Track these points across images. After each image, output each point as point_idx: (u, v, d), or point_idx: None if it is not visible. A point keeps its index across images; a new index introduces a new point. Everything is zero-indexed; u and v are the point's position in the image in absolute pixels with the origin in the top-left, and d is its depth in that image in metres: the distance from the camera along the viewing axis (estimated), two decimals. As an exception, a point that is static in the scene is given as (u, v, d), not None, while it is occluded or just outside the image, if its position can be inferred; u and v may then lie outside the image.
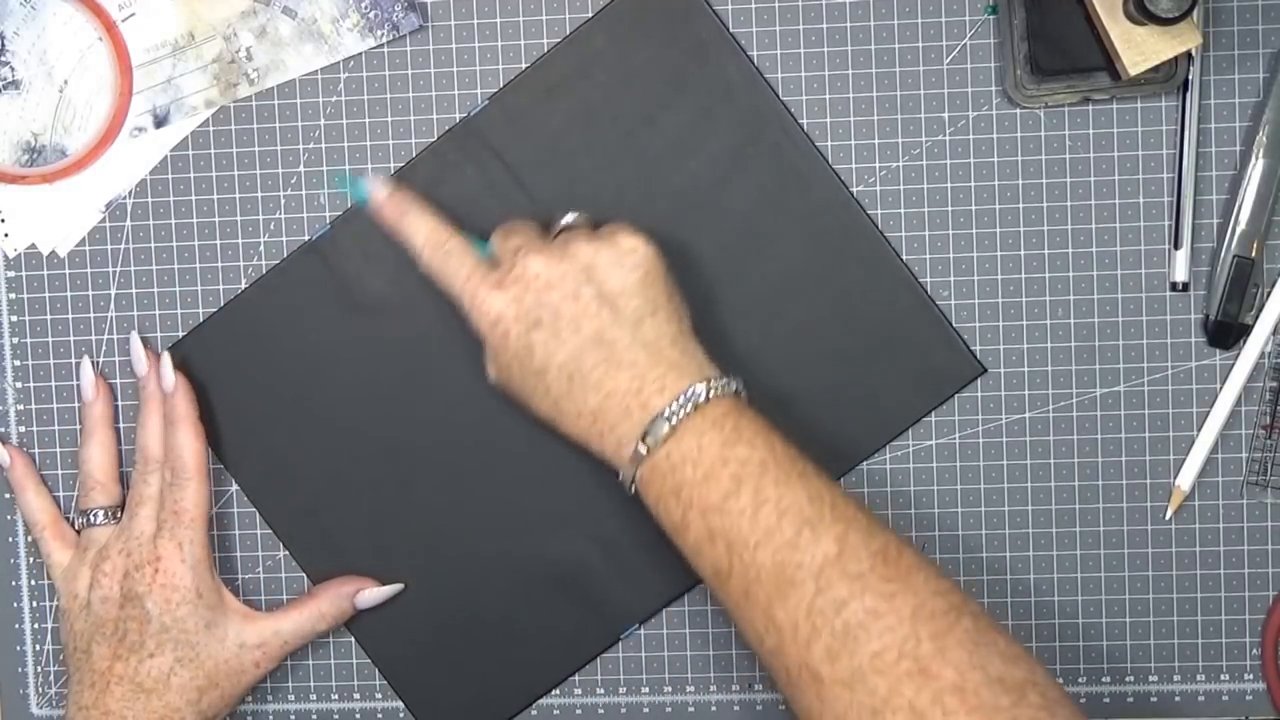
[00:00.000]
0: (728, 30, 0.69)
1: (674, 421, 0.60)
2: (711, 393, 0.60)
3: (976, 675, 0.54)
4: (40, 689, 0.74)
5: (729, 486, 0.59)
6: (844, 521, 0.58)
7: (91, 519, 0.70)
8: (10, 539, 0.74)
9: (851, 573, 0.56)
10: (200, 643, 0.68)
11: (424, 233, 0.66)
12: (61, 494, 0.73)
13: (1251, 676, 0.70)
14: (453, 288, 0.64)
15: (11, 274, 0.73)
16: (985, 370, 0.70)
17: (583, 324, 0.61)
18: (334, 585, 0.71)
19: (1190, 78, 0.67)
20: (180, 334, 0.72)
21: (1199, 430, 0.69)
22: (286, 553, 0.73)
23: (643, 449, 0.60)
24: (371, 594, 0.71)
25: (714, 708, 0.72)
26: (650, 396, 0.61)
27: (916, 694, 0.54)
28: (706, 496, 0.59)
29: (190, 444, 0.69)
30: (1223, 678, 0.70)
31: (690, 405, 0.60)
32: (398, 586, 0.71)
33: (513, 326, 0.62)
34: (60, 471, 0.73)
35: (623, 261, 0.62)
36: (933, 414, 0.70)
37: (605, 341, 0.61)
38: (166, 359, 0.70)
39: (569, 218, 0.67)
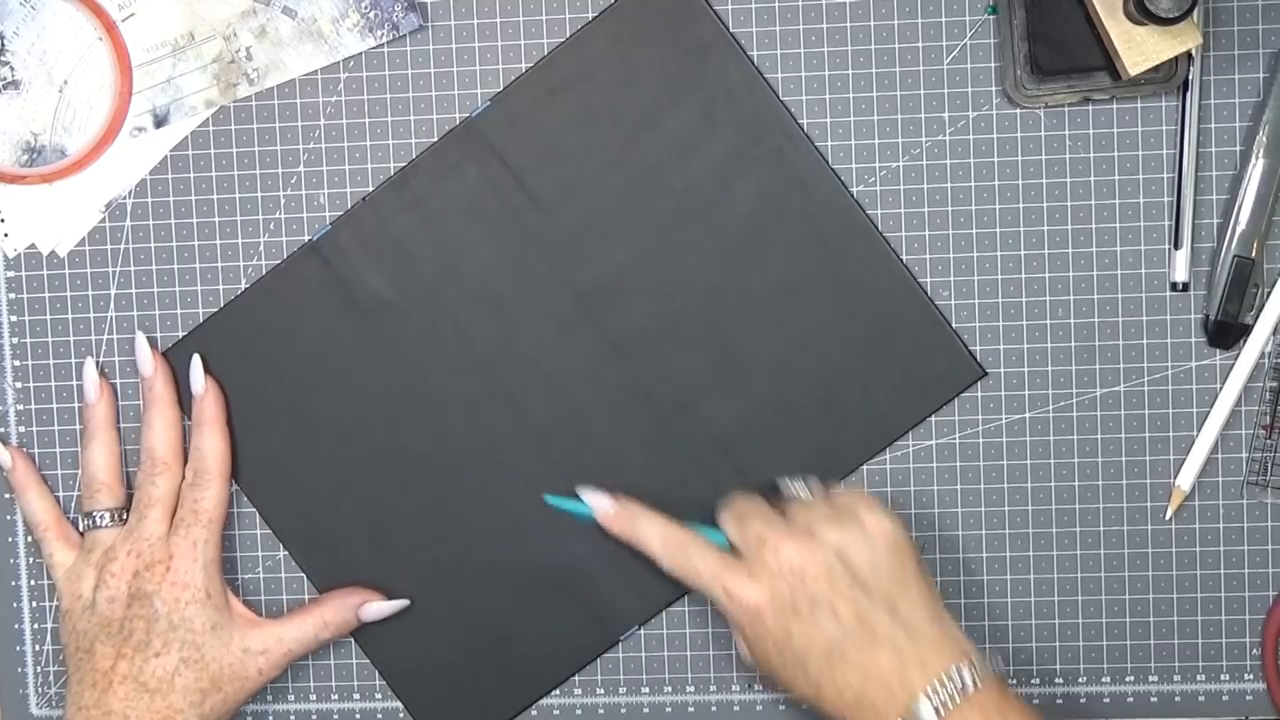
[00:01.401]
0: (729, 31, 0.69)
1: (941, 710, 0.60)
2: (975, 674, 0.61)
3: None
4: (40, 689, 0.74)
5: None
6: None
7: (97, 520, 0.70)
8: (10, 539, 0.74)
9: None
10: (206, 644, 0.68)
11: (659, 537, 0.67)
12: (62, 494, 0.73)
13: (1251, 676, 0.70)
14: (702, 584, 0.65)
15: (11, 274, 0.73)
16: (985, 373, 0.70)
17: (839, 608, 0.62)
18: (340, 595, 0.71)
19: (1190, 78, 0.67)
20: (180, 334, 0.72)
21: (1199, 430, 0.69)
22: (286, 553, 0.73)
23: None
24: (377, 607, 0.71)
25: (714, 708, 0.72)
26: (911, 675, 0.61)
27: None
28: None
29: (216, 446, 0.70)
30: (1223, 678, 0.70)
31: (955, 688, 0.61)
32: (403, 602, 0.71)
33: (770, 615, 0.63)
34: (60, 472, 0.73)
35: (873, 543, 0.63)
36: (932, 414, 0.70)
37: (863, 623, 0.62)
38: (197, 362, 0.71)
39: (800, 490, 0.68)
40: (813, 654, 0.63)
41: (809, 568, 0.63)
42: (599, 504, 0.69)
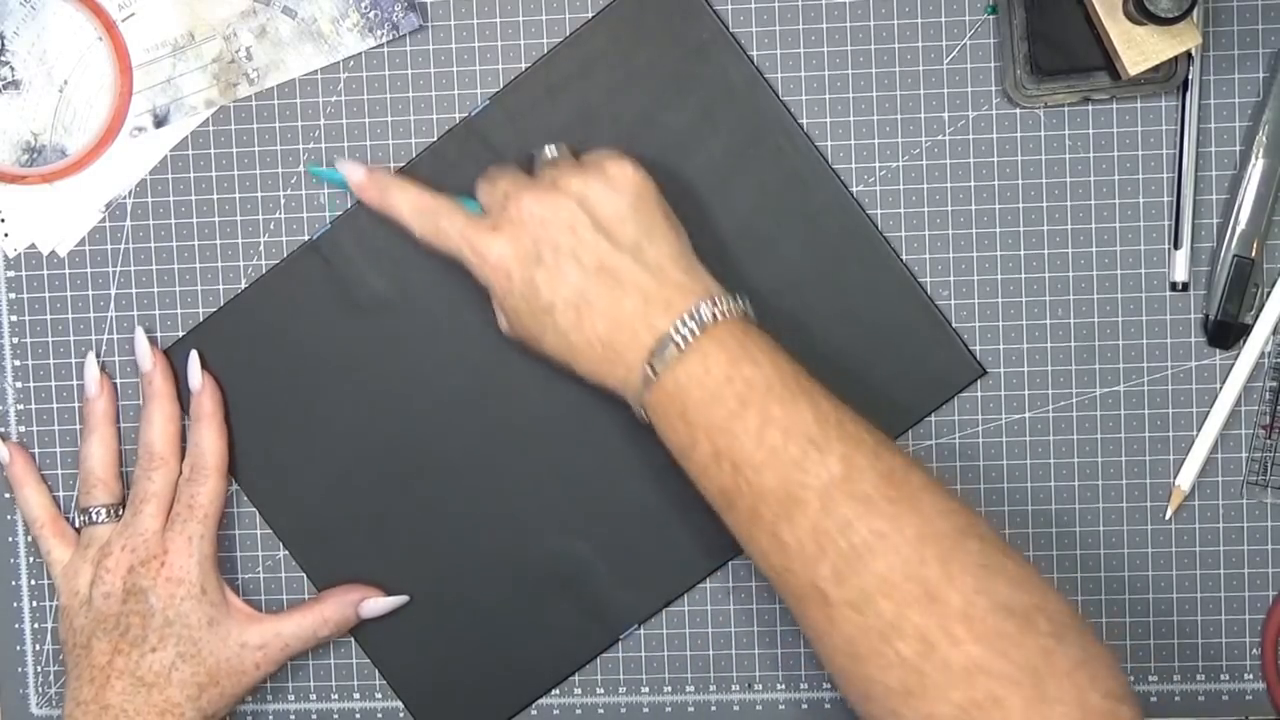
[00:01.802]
0: (728, 31, 0.69)
1: (681, 344, 0.60)
2: (717, 310, 0.60)
3: (983, 601, 0.54)
4: (40, 689, 0.74)
5: (734, 407, 0.59)
6: (850, 441, 0.58)
7: (93, 517, 0.70)
8: (10, 539, 0.74)
9: (857, 493, 0.56)
10: (202, 639, 0.68)
11: (409, 202, 0.66)
12: (61, 494, 0.73)
13: (1251, 676, 0.70)
14: (450, 245, 0.64)
15: (11, 274, 0.73)
16: (985, 372, 0.70)
17: (582, 255, 0.61)
18: (340, 592, 0.71)
19: (1190, 78, 0.67)
20: (180, 333, 0.72)
21: (1199, 430, 0.69)
22: (286, 553, 0.73)
23: (651, 373, 0.60)
24: (376, 604, 0.71)
25: (714, 708, 0.72)
26: (656, 318, 0.61)
27: (924, 620, 0.54)
28: (712, 417, 0.59)
29: (213, 441, 0.70)
30: (1223, 678, 0.70)
31: (696, 325, 0.60)
32: (403, 598, 0.71)
33: (515, 268, 0.62)
34: (60, 471, 0.73)
35: (614, 188, 0.63)
36: (932, 414, 0.70)
37: (607, 269, 0.61)
38: (195, 358, 0.71)
39: (549, 151, 0.67)
40: (559, 304, 0.62)
41: (551, 216, 0.62)
42: (352, 173, 0.67)
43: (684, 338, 0.60)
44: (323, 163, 0.71)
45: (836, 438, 0.58)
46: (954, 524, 0.57)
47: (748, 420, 0.58)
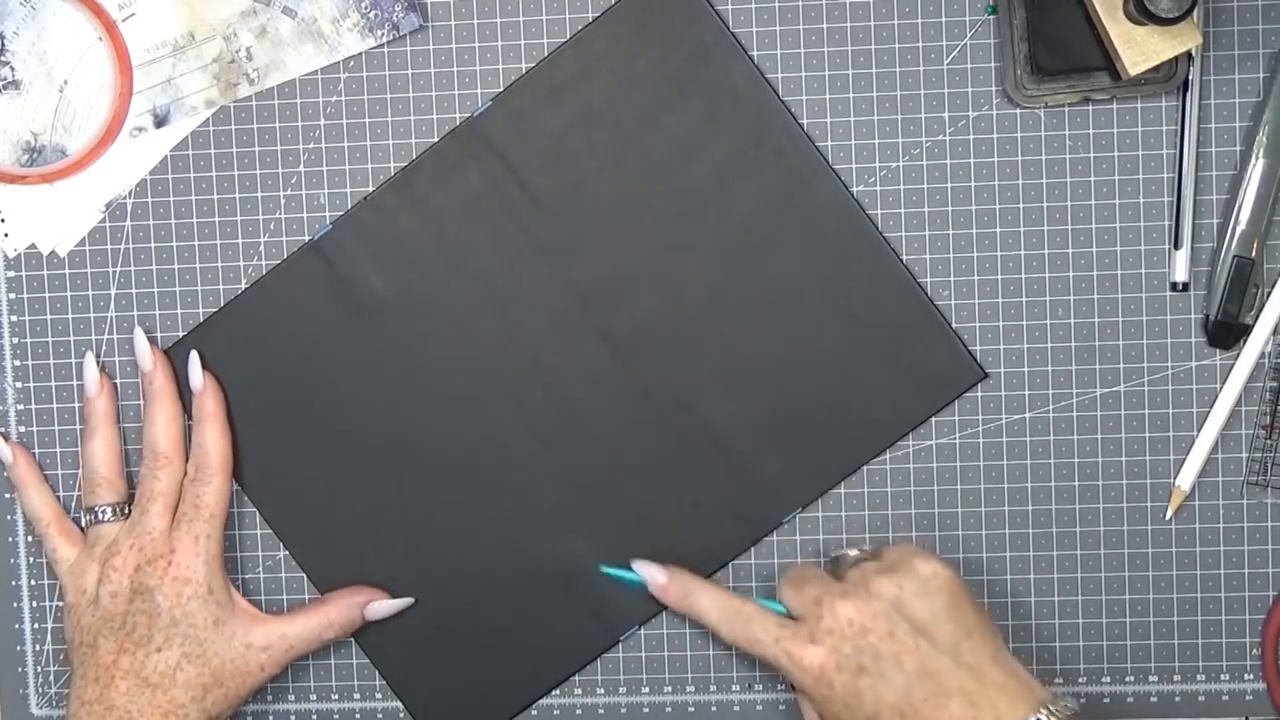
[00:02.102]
0: (730, 32, 0.69)
1: None
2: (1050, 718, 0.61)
3: None
4: (40, 689, 0.74)
5: None
6: None
7: (99, 516, 0.70)
8: (10, 539, 0.74)
9: None
10: (208, 639, 0.68)
11: (717, 606, 0.66)
12: (62, 493, 0.73)
13: (1251, 676, 0.70)
14: (764, 651, 0.65)
15: (11, 274, 0.73)
16: (986, 375, 0.70)
17: (904, 660, 0.62)
18: (345, 594, 0.71)
19: (1190, 78, 0.67)
20: (181, 334, 0.72)
21: (1199, 430, 0.69)
22: (286, 553, 0.73)
23: None
24: (382, 606, 0.71)
25: (714, 708, 0.72)
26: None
27: None
28: None
29: (216, 441, 0.70)
30: (1223, 678, 0.70)
31: None
32: (408, 600, 0.71)
33: (836, 677, 0.63)
34: (61, 471, 0.73)
35: (928, 590, 0.63)
36: (933, 415, 0.70)
37: (929, 673, 0.62)
38: (195, 359, 0.71)
39: (851, 554, 0.68)
40: (883, 712, 0.62)
41: (868, 622, 0.62)
42: (651, 575, 0.69)
43: None
44: (323, 163, 0.71)
45: None
46: None
47: None
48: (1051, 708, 0.61)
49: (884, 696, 0.62)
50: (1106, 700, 0.70)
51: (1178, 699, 0.70)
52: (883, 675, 0.62)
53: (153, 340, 0.72)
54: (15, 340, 0.73)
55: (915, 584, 0.63)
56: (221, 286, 0.72)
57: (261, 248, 0.72)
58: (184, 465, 0.70)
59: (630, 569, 0.69)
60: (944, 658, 0.62)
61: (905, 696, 0.61)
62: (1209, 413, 0.69)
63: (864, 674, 0.62)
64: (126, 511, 0.70)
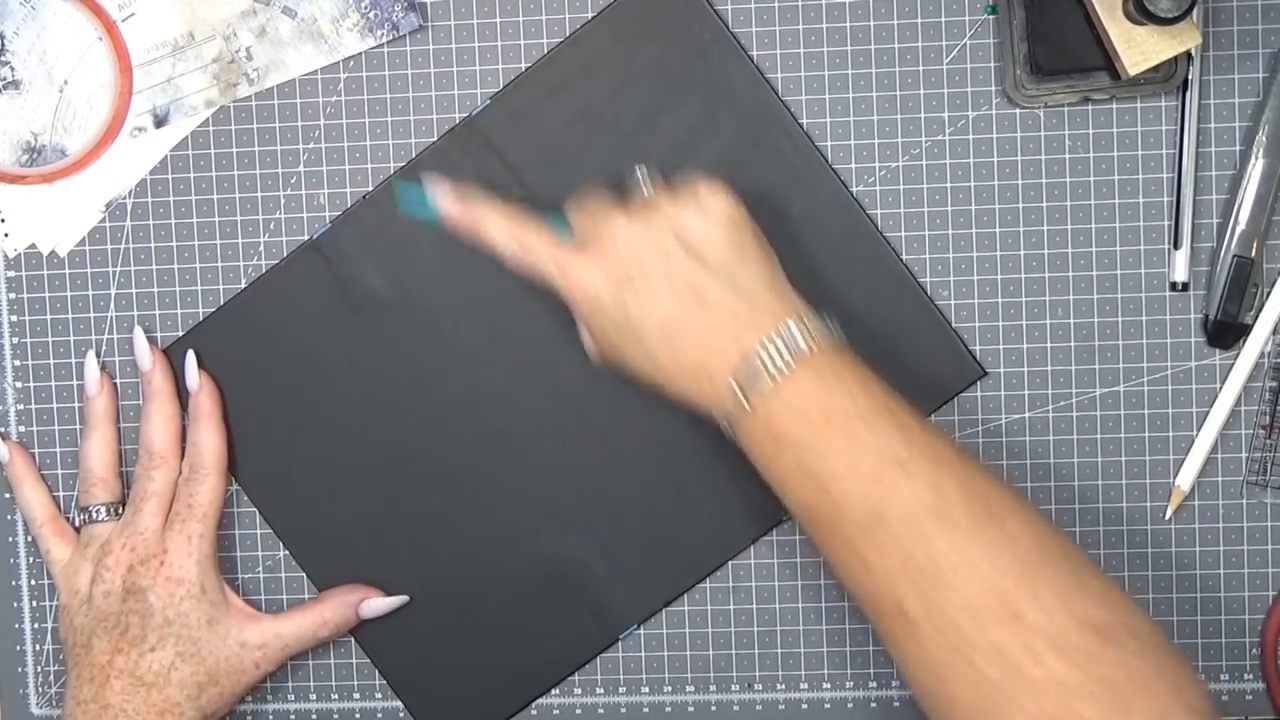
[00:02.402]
0: (729, 31, 0.69)
1: (772, 368, 0.60)
2: (805, 330, 0.61)
3: (1065, 617, 0.55)
4: (40, 689, 0.74)
5: (822, 428, 0.59)
6: (937, 463, 0.58)
7: (93, 515, 0.70)
8: (10, 539, 0.74)
9: (943, 515, 0.57)
10: (202, 638, 0.68)
11: (502, 228, 0.66)
12: (61, 493, 0.73)
13: (1251, 676, 0.70)
14: (540, 270, 0.65)
15: (11, 274, 0.73)
16: (985, 373, 0.70)
17: (674, 277, 0.62)
18: (340, 593, 0.71)
19: (1190, 78, 0.67)
20: (180, 334, 0.72)
21: (1199, 430, 0.69)
22: (286, 553, 0.73)
23: (741, 396, 0.60)
24: (376, 604, 0.71)
25: (714, 708, 0.72)
26: (745, 338, 0.61)
27: (1005, 637, 0.54)
28: (801, 437, 0.59)
29: (211, 441, 0.70)
30: (1223, 678, 0.70)
31: (784, 345, 0.60)
32: (403, 598, 0.71)
33: (605, 290, 0.63)
34: (60, 471, 0.73)
35: (706, 212, 0.63)
36: (933, 414, 0.70)
37: (697, 292, 0.62)
38: (191, 358, 0.71)
39: (639, 172, 0.67)
40: (649, 327, 0.62)
41: (643, 241, 0.62)
42: (442, 196, 0.67)
43: (773, 360, 0.60)
44: (323, 163, 0.71)
45: (924, 459, 0.58)
46: (1038, 542, 0.57)
47: (836, 442, 0.59)
48: (805, 317, 0.61)
49: (650, 312, 0.62)
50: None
51: (1178, 699, 0.70)
52: (651, 291, 0.62)
53: (152, 340, 0.72)
54: (15, 340, 0.73)
55: (695, 207, 0.63)
56: (221, 286, 0.72)
57: (261, 248, 0.72)
58: (179, 465, 0.70)
59: (417, 184, 0.68)
60: (714, 278, 0.62)
61: (671, 312, 0.62)
62: (1209, 413, 0.69)
63: (632, 288, 0.62)
64: (120, 512, 0.70)
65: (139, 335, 0.71)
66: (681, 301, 0.62)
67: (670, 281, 0.62)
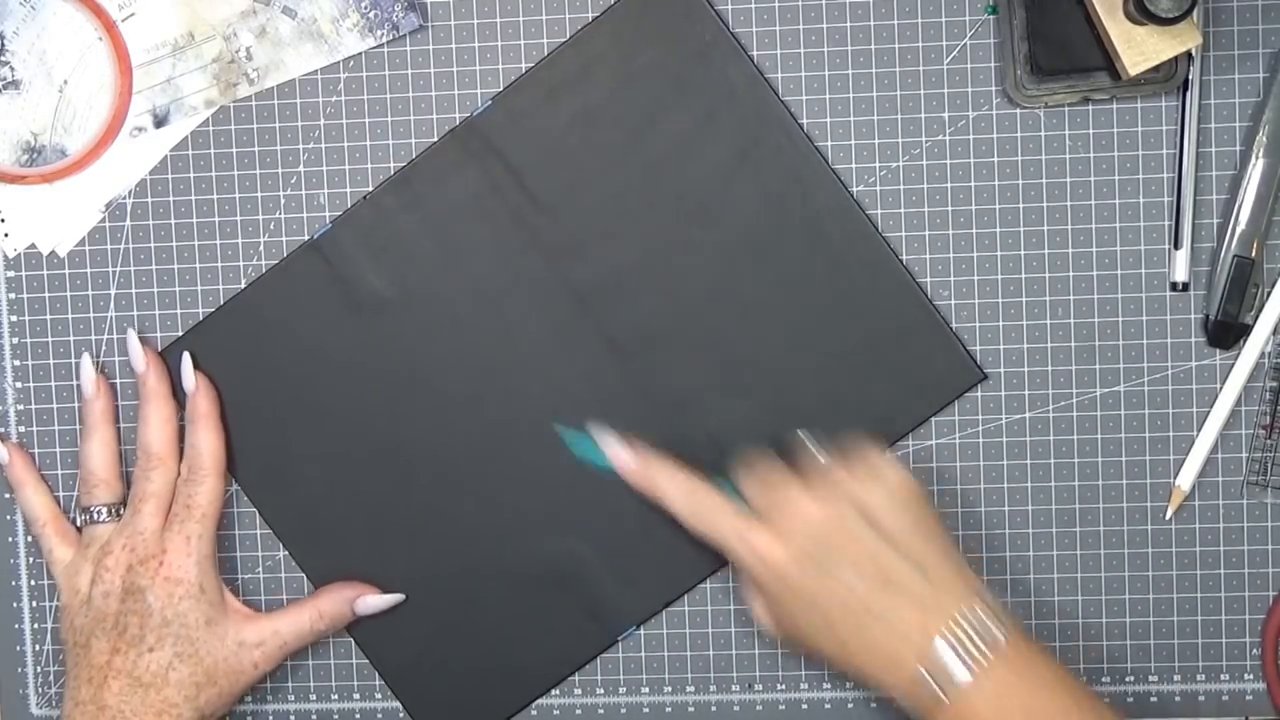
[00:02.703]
0: (729, 32, 0.69)
1: (971, 665, 0.60)
2: (995, 619, 0.61)
3: None
4: (40, 689, 0.74)
5: None
6: None
7: (94, 516, 0.70)
8: (10, 539, 0.74)
9: None
10: (200, 639, 0.68)
11: (682, 494, 0.66)
12: (62, 494, 0.73)
13: (1251, 676, 0.70)
14: (725, 544, 0.65)
15: (11, 274, 0.73)
16: (985, 377, 0.70)
17: (859, 557, 0.62)
18: (335, 589, 0.71)
19: (1190, 78, 0.67)
20: (180, 334, 0.72)
21: (1199, 430, 0.69)
22: (286, 553, 0.73)
23: (940, 694, 0.61)
24: (371, 601, 0.71)
25: (714, 708, 0.72)
26: (933, 622, 0.61)
27: None
28: None
29: (209, 442, 0.70)
30: (1223, 678, 0.70)
31: (976, 636, 0.61)
32: (398, 596, 0.71)
33: (793, 571, 0.63)
34: (60, 471, 0.73)
35: (894, 496, 0.63)
36: (933, 416, 0.70)
37: (883, 571, 0.62)
38: (187, 360, 0.71)
39: (808, 441, 0.68)
40: (833, 607, 0.62)
41: (828, 517, 0.63)
42: (617, 454, 0.68)
43: (965, 649, 0.60)
44: (323, 163, 0.71)
45: None
46: None
47: None
48: (985, 600, 0.62)
49: (839, 596, 0.62)
50: (1106, 700, 0.70)
51: (1178, 699, 0.70)
52: (840, 576, 0.62)
53: (152, 340, 0.72)
54: (15, 340, 0.73)
55: (881, 488, 0.63)
56: (221, 286, 0.72)
57: (261, 248, 0.72)
58: (177, 466, 0.70)
59: (587, 434, 0.69)
60: (898, 558, 0.62)
61: (861, 599, 0.62)
62: (1209, 413, 0.69)
63: (822, 572, 0.62)
64: (121, 512, 0.70)
65: (132, 337, 0.71)
66: (867, 583, 0.62)
67: (856, 562, 0.62)
